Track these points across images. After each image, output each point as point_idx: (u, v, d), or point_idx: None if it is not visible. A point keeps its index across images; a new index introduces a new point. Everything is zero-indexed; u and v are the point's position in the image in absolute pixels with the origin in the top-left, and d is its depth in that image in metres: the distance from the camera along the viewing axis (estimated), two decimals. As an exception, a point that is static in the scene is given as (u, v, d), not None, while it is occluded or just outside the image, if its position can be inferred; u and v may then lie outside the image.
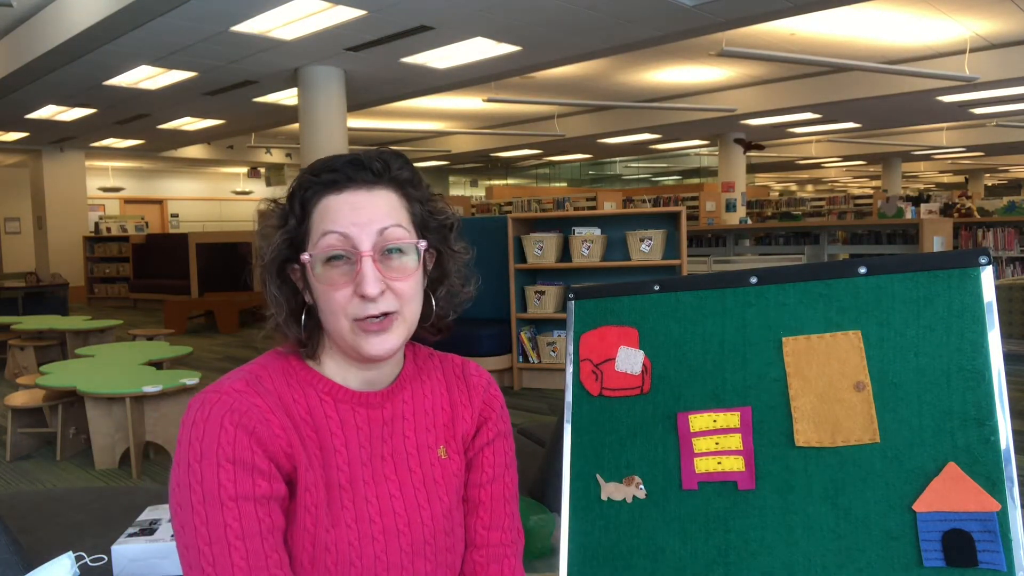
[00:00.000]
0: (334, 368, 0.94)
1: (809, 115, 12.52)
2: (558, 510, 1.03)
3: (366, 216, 0.88)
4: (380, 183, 0.90)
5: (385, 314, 0.88)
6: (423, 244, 0.92)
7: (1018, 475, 0.81)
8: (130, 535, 1.61)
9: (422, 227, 0.93)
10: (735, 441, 0.93)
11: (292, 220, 0.90)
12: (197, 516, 0.81)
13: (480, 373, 1.05)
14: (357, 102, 9.78)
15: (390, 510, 0.92)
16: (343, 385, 0.93)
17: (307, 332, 0.92)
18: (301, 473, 0.87)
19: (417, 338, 0.96)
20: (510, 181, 24.16)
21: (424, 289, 0.94)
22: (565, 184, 24.07)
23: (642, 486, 0.97)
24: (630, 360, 1.01)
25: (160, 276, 12.45)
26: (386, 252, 0.88)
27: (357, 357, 0.91)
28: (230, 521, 0.81)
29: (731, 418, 0.93)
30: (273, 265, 0.91)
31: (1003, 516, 0.80)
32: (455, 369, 1.03)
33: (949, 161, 21.46)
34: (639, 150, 17.72)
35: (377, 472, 0.93)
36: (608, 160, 21.74)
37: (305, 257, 0.88)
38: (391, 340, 0.89)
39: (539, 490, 2.01)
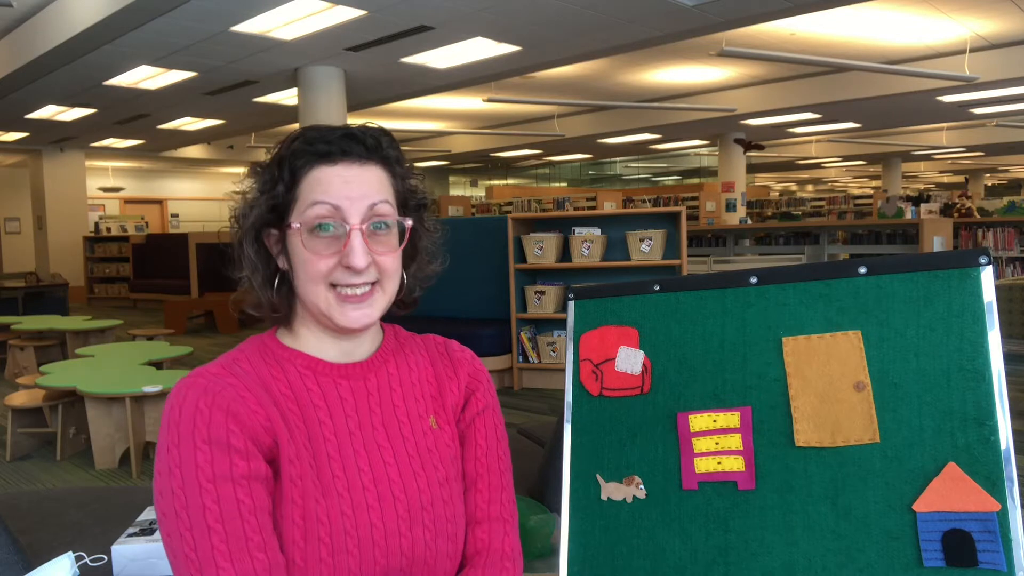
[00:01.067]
0: (310, 338, 0.95)
1: (809, 115, 12.52)
2: (558, 510, 1.03)
3: (358, 190, 0.89)
4: (372, 159, 0.92)
5: (369, 285, 0.90)
6: (409, 222, 0.94)
7: (1018, 475, 0.81)
8: (130, 535, 1.61)
9: (403, 204, 0.95)
10: (735, 441, 0.93)
11: (280, 186, 0.90)
12: (177, 500, 0.81)
13: (463, 349, 1.07)
14: (357, 102, 9.78)
15: (384, 477, 0.92)
16: (320, 358, 0.94)
17: (279, 298, 0.94)
18: (283, 446, 0.87)
19: (385, 314, 0.98)
20: (510, 181, 24.16)
21: None
22: (565, 184, 24.07)
23: (642, 486, 0.97)
24: (630, 360, 1.01)
25: (160, 276, 12.44)
26: (373, 227, 0.90)
27: (332, 327, 0.92)
28: (209, 504, 0.81)
29: (731, 418, 0.93)
30: (253, 229, 0.92)
31: (1003, 516, 0.80)
32: (438, 347, 1.05)
33: (949, 161, 21.46)
34: (639, 150, 17.72)
35: (369, 441, 0.93)
36: (608, 160, 21.74)
37: (295, 225, 0.89)
38: (371, 313, 0.92)
39: (539, 490, 2.00)
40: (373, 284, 0.91)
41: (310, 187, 0.89)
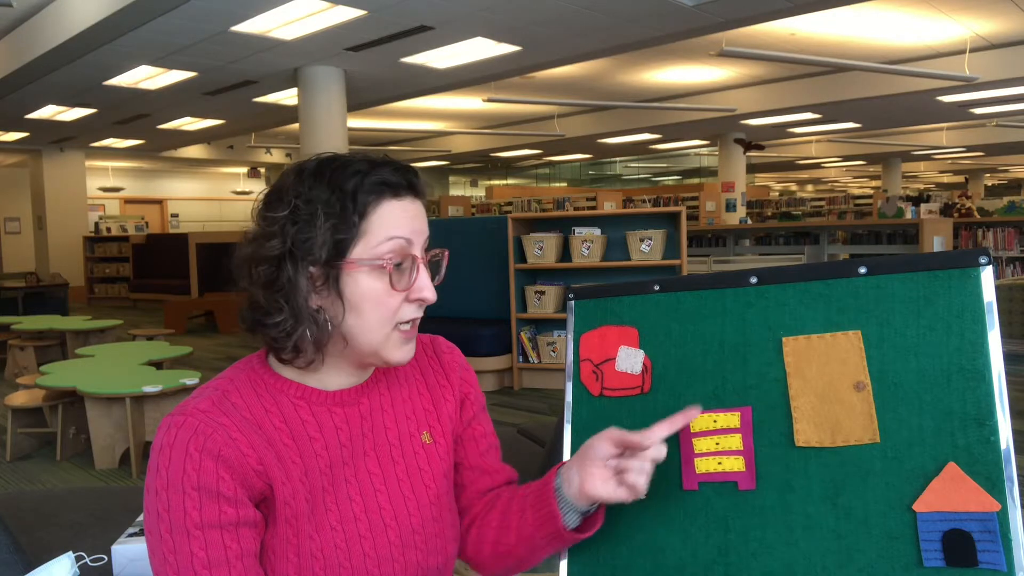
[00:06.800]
0: (323, 373, 0.92)
1: (809, 115, 12.53)
2: (558, 510, 1.03)
3: (420, 225, 0.90)
4: (420, 197, 0.92)
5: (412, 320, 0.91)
6: (447, 252, 0.94)
7: (1018, 475, 0.80)
8: (130, 535, 1.60)
9: None
10: (735, 441, 0.93)
11: (354, 217, 0.84)
12: (165, 545, 0.81)
13: (451, 349, 1.06)
14: (357, 102, 9.78)
15: (375, 506, 0.91)
16: (316, 387, 0.92)
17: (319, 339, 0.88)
18: (278, 487, 0.85)
19: None
20: (510, 181, 24.16)
21: None
22: (565, 184, 24.07)
23: (642, 486, 0.97)
24: (630, 360, 1.01)
25: (160, 276, 12.46)
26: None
27: (373, 362, 0.91)
28: (196, 550, 0.80)
29: (731, 418, 0.93)
30: (313, 264, 0.85)
31: (1003, 516, 0.80)
32: (425, 350, 1.04)
33: (949, 161, 21.47)
34: (639, 150, 17.72)
35: (360, 469, 0.92)
36: (608, 160, 21.75)
37: (386, 261, 0.85)
38: (415, 346, 0.93)
39: (539, 490, 2.00)
40: (416, 320, 0.91)
41: (381, 221, 0.86)
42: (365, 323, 0.87)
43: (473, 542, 1.00)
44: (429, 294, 0.89)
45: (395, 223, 0.86)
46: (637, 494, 0.86)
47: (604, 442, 0.87)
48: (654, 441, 0.85)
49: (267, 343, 0.89)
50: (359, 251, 0.85)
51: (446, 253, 0.94)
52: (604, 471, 0.87)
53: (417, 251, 0.88)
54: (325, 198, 0.84)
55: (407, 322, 0.89)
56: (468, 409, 1.04)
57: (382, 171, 0.87)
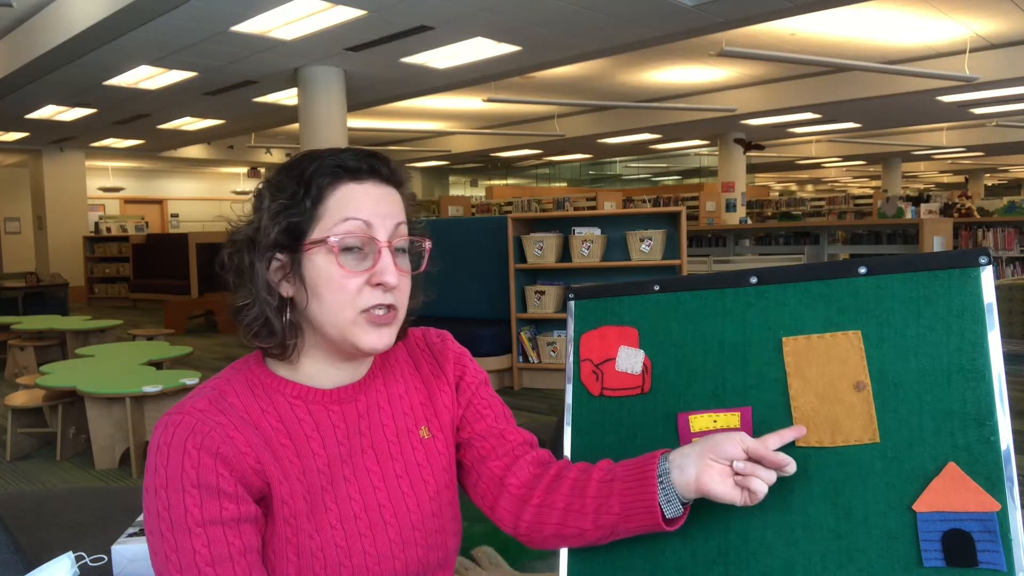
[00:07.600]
0: (308, 366, 0.92)
1: (809, 115, 12.52)
2: (558, 510, 1.03)
3: (385, 208, 0.88)
4: (390, 182, 0.91)
5: (389, 307, 0.89)
6: (428, 243, 0.93)
7: (1018, 475, 0.81)
8: (130, 535, 1.60)
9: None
10: (735, 441, 0.93)
11: (307, 202, 0.86)
12: (167, 543, 0.80)
13: (442, 338, 1.05)
14: (357, 102, 9.78)
15: (374, 503, 0.91)
16: (312, 386, 0.92)
17: (290, 328, 0.90)
18: (275, 486, 0.85)
19: None
20: (510, 181, 24.15)
21: None
22: (565, 184, 24.07)
23: (642, 486, 0.97)
24: (630, 360, 1.01)
25: (160, 276, 12.45)
26: (396, 248, 0.89)
27: (350, 352, 0.90)
28: (199, 547, 0.80)
29: (731, 418, 0.93)
30: (270, 248, 0.87)
31: (1003, 516, 0.80)
32: (418, 344, 1.03)
33: (949, 161, 21.47)
34: (639, 150, 17.72)
35: (358, 466, 0.91)
36: (608, 160, 21.74)
37: (333, 240, 0.85)
38: (390, 335, 0.90)
39: (539, 490, 2.00)
40: (390, 307, 0.89)
41: (338, 204, 0.86)
42: (326, 307, 0.87)
43: (530, 521, 0.95)
44: (390, 278, 0.86)
45: (352, 205, 0.86)
46: (755, 500, 0.84)
47: (736, 445, 0.85)
48: (779, 456, 0.84)
49: (246, 335, 0.91)
50: (316, 234, 0.86)
51: (428, 243, 0.93)
52: (724, 468, 0.85)
53: (379, 235, 0.87)
54: (282, 184, 0.88)
55: (375, 307, 0.87)
56: (465, 391, 1.02)
57: (341, 156, 0.88)
